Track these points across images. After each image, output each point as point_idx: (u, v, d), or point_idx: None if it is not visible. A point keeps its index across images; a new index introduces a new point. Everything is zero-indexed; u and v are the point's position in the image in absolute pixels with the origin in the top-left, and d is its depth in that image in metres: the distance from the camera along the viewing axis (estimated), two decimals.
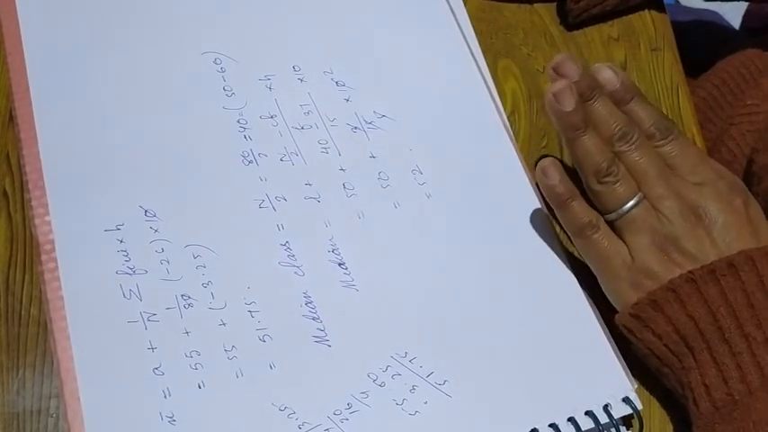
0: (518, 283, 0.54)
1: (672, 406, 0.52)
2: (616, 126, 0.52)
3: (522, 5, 0.66)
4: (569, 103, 0.51)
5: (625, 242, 0.52)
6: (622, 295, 0.52)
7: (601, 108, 0.53)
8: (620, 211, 0.52)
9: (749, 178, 0.62)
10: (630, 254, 0.52)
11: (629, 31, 0.67)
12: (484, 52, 0.63)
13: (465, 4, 0.64)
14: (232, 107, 0.57)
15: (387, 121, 0.58)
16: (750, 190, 0.58)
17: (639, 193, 0.52)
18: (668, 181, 0.52)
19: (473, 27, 0.64)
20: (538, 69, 0.64)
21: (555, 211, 0.54)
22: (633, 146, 0.52)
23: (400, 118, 0.59)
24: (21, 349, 0.50)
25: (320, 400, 0.49)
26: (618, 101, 0.54)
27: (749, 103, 0.70)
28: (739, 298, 0.48)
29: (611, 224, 0.53)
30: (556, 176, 0.53)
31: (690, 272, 0.49)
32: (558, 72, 0.52)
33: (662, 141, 0.53)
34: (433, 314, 0.53)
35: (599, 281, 0.53)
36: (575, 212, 0.53)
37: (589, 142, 0.52)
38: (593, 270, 0.53)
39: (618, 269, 0.52)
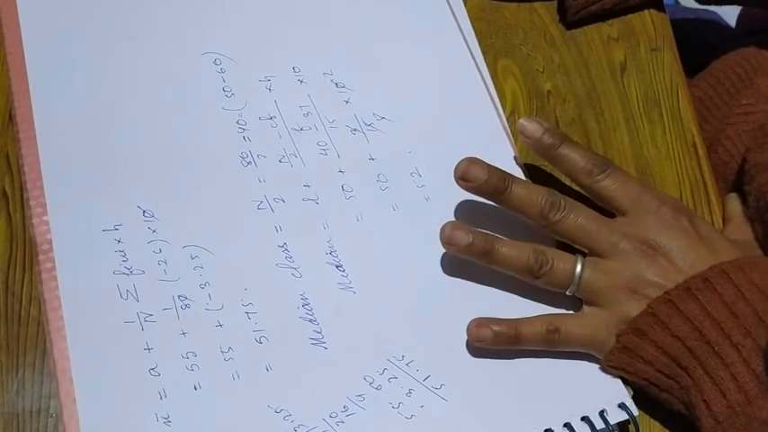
0: (516, 287, 0.53)
1: (669, 412, 0.51)
2: (541, 199, 0.51)
3: (522, 5, 0.64)
4: (465, 239, 0.50)
5: (596, 304, 0.51)
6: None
7: (519, 190, 0.51)
8: (574, 283, 0.51)
9: (742, 177, 0.61)
10: (602, 312, 0.50)
11: (629, 31, 0.65)
12: (484, 52, 0.62)
13: (465, 4, 0.63)
14: (231, 108, 0.55)
15: (386, 122, 0.57)
16: (743, 188, 0.58)
17: (578, 257, 0.51)
18: (611, 227, 0.51)
19: (473, 27, 0.62)
20: (538, 69, 0.62)
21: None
22: (565, 210, 0.51)
23: (400, 120, 0.57)
24: (20, 349, 0.48)
25: (316, 403, 0.48)
26: (547, 147, 0.52)
27: (744, 102, 0.69)
28: (720, 310, 0.47)
29: (574, 299, 0.52)
30: (489, 333, 0.50)
31: (666, 293, 0.48)
32: (465, 179, 0.51)
33: (600, 176, 0.51)
34: (431, 318, 0.51)
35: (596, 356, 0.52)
36: (528, 335, 0.50)
37: (505, 251, 0.50)
38: (587, 352, 0.51)
39: (599, 336, 0.50)
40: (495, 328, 0.50)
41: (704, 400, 0.47)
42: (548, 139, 0.52)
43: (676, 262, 0.50)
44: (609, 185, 0.51)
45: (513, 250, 0.50)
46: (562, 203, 0.51)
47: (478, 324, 0.50)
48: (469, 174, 0.51)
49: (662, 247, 0.50)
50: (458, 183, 0.51)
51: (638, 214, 0.51)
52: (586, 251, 0.52)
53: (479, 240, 0.50)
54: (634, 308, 0.49)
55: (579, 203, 0.52)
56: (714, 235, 0.52)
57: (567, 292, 0.51)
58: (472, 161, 0.51)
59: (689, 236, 0.50)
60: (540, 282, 0.51)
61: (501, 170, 0.51)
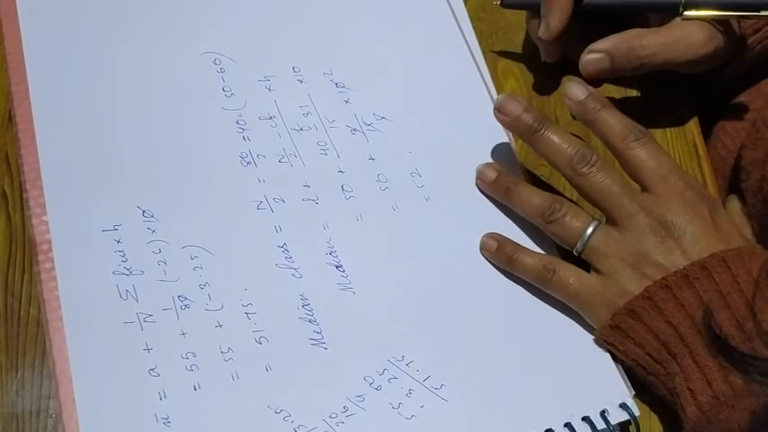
0: (516, 287, 0.52)
1: (670, 413, 0.50)
2: (572, 149, 0.50)
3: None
4: (491, 176, 0.53)
5: (597, 269, 0.50)
6: (602, 320, 0.49)
7: (552, 136, 0.51)
8: (582, 241, 0.50)
9: (738, 174, 0.60)
10: (601, 278, 0.50)
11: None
12: (484, 52, 0.60)
13: (465, 4, 0.62)
14: (231, 108, 0.54)
15: (386, 122, 0.56)
16: (739, 185, 0.57)
17: (594, 220, 0.50)
18: (634, 198, 0.50)
19: (473, 27, 0.61)
20: (538, 69, 0.61)
21: (511, 272, 0.52)
22: (594, 167, 0.50)
23: (399, 120, 0.56)
24: (20, 349, 0.48)
25: (316, 403, 0.47)
26: (587, 111, 0.52)
27: (742, 99, 0.67)
28: (715, 300, 0.46)
29: (578, 257, 0.51)
30: (493, 244, 0.52)
31: (663, 278, 0.47)
32: (501, 112, 0.52)
33: (635, 143, 0.50)
34: (431, 318, 0.50)
35: (580, 314, 0.51)
36: (525, 264, 0.51)
37: (523, 193, 0.52)
38: (571, 306, 0.51)
39: (590, 298, 0.50)
40: (501, 244, 0.51)
41: (690, 389, 0.46)
42: (590, 103, 0.51)
43: (686, 247, 0.49)
44: (640, 155, 0.50)
45: (532, 193, 0.52)
46: (593, 159, 0.50)
47: (489, 235, 0.52)
48: (505, 107, 0.52)
49: (676, 230, 0.49)
50: (495, 115, 0.52)
51: (662, 193, 0.50)
52: (604, 216, 0.51)
53: (503, 178, 0.53)
54: (632, 283, 0.48)
55: (611, 167, 0.51)
56: (731, 228, 0.50)
57: (574, 251, 0.51)
58: (510, 96, 0.52)
59: (704, 223, 0.49)
60: (550, 229, 0.51)
61: (539, 113, 0.52)
